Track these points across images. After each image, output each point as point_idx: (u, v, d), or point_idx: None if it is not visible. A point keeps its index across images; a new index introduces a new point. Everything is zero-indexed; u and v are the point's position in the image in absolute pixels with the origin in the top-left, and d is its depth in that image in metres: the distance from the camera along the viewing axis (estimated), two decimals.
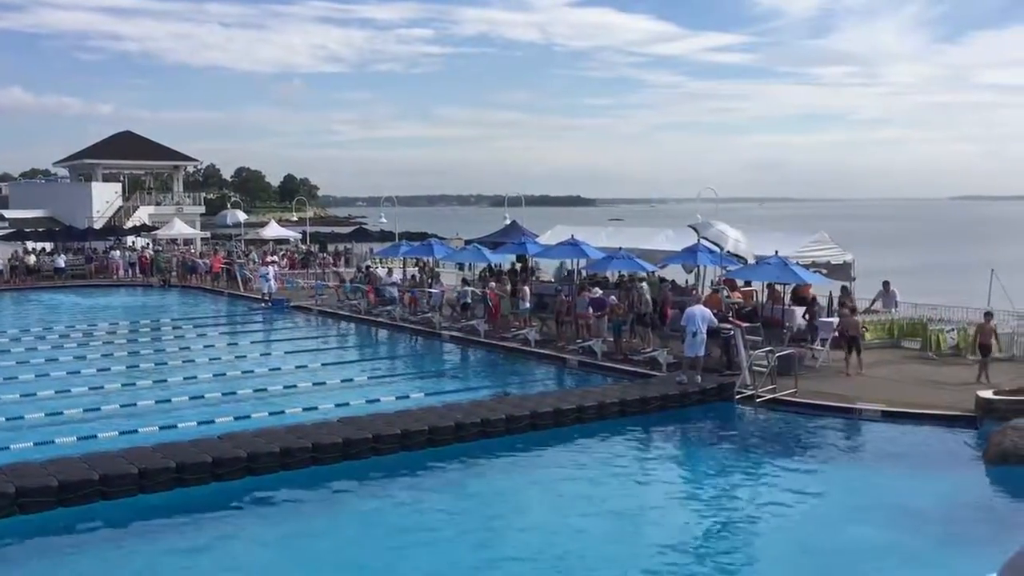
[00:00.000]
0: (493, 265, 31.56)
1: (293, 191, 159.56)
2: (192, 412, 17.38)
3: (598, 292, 23.38)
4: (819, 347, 21.02)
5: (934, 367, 20.60)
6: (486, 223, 50.40)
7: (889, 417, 16.63)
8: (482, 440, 15.34)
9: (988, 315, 19.96)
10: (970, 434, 15.71)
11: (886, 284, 24.64)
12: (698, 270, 25.37)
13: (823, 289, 23.53)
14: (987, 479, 13.87)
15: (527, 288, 25.88)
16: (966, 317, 22.72)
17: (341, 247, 50.63)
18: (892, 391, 18.14)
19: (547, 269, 31.86)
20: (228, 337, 28.75)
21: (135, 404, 18.16)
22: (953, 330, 21.98)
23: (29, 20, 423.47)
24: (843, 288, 23.52)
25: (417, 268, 33.59)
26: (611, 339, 22.53)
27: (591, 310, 22.99)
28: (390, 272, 34.21)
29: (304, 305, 34.37)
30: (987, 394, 16.22)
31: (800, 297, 22.47)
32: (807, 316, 21.49)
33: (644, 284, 23.49)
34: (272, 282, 36.17)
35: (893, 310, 23.96)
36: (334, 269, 41.88)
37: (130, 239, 53.49)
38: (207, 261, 44.60)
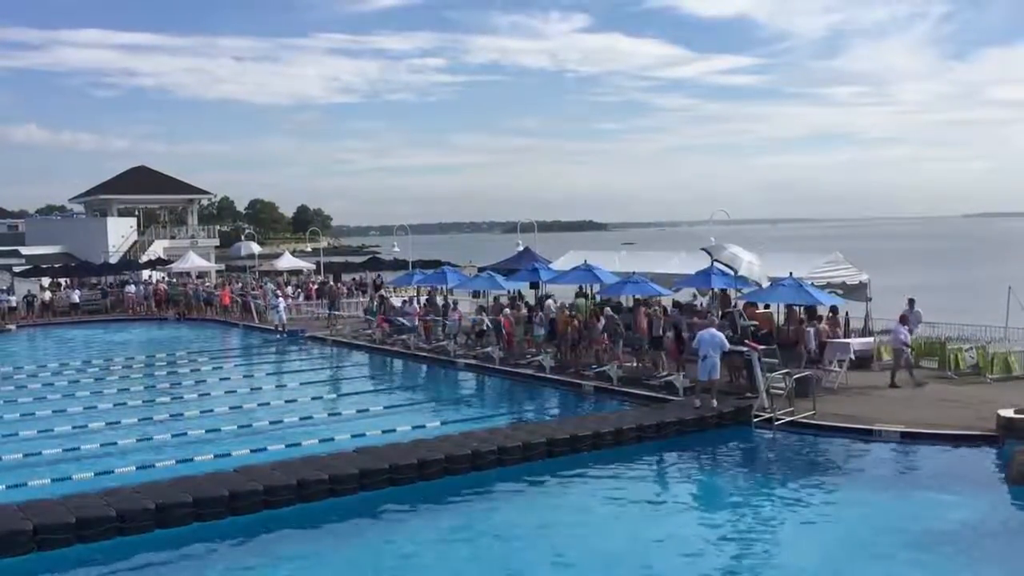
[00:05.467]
0: (510, 292, 31.57)
1: (307, 221, 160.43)
2: (208, 445, 17.38)
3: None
4: (836, 368, 20.89)
5: (953, 386, 20.41)
6: (499, 250, 50.41)
7: (909, 438, 16.47)
8: (499, 468, 15.27)
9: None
10: (992, 454, 15.54)
11: (911, 302, 24.54)
12: (712, 293, 25.30)
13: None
14: (1010, 499, 13.69)
15: (543, 314, 25.83)
16: (985, 335, 22.55)
17: (368, 276, 49.57)
18: (911, 412, 17.98)
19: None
20: (243, 369, 28.80)
21: (151, 438, 18.18)
22: (972, 348, 21.80)
23: (46, 59, 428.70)
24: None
25: (427, 297, 33.60)
26: (629, 363, 22.47)
27: (606, 335, 22.92)
28: (409, 301, 34.06)
29: (319, 335, 34.43)
30: (1008, 413, 16.06)
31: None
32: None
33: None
34: (283, 313, 36.34)
35: (916, 328, 23.80)
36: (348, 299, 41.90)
37: (145, 273, 53.81)
38: (218, 293, 44.85)
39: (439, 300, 32.47)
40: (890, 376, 20.67)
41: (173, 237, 64.13)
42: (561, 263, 30.98)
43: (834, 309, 22.77)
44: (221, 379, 26.19)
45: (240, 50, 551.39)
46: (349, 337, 33.33)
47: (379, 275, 47.98)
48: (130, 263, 55.70)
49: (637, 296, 25.39)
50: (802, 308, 22.14)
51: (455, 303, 31.37)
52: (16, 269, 49.34)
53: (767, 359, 19.15)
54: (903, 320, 21.45)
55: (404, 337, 30.33)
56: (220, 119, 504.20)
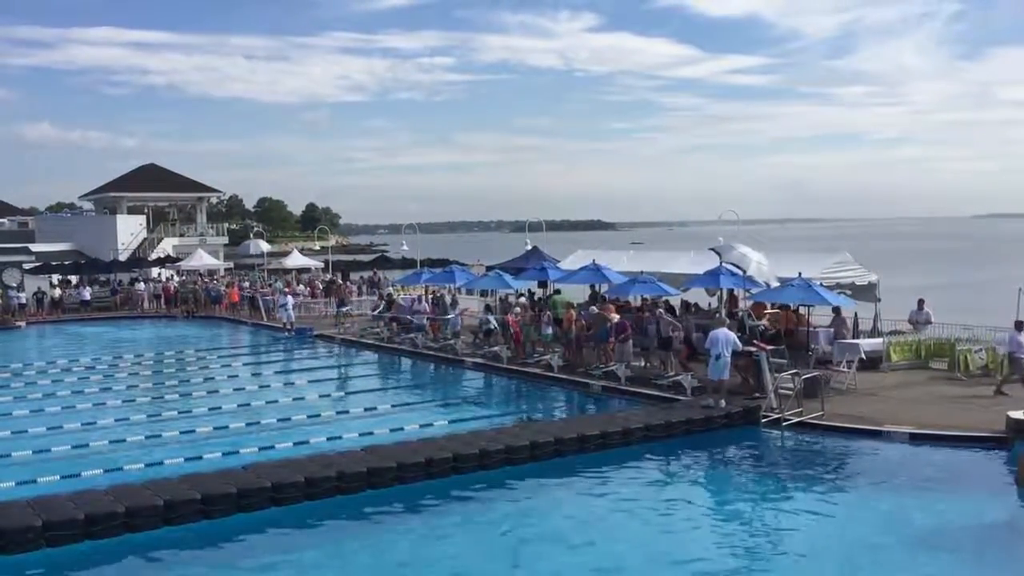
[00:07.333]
0: (518, 291, 31.57)
1: (315, 220, 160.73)
2: (217, 443, 17.43)
3: (617, 317, 23.28)
4: (845, 369, 20.83)
5: (963, 387, 20.35)
6: (507, 249, 50.44)
7: (918, 439, 16.42)
8: (507, 467, 15.27)
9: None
10: (1001, 455, 15.48)
11: (920, 302, 24.50)
12: (720, 293, 25.28)
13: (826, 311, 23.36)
14: (1019, 501, 13.66)
15: (550, 313, 25.82)
16: (994, 336, 22.45)
17: (379, 275, 49.50)
18: (920, 413, 17.92)
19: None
20: (252, 367, 28.84)
21: (160, 435, 18.23)
22: (981, 350, 21.71)
23: (58, 57, 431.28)
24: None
25: (431, 296, 33.62)
26: (637, 363, 22.42)
27: (613, 335, 22.86)
28: (418, 300, 34.04)
29: (327, 334, 34.47)
30: (1018, 414, 16.00)
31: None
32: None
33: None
34: (291, 311, 36.41)
35: (924, 329, 23.77)
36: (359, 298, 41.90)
37: (154, 271, 53.96)
38: (227, 291, 44.92)
39: (448, 299, 32.47)
40: (998, 386, 19.56)
41: (182, 235, 64.34)
42: (569, 262, 30.97)
43: (837, 310, 22.76)
44: (229, 376, 26.24)
45: (251, 48, 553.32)
46: (357, 336, 33.36)
47: (375, 272, 48.08)
48: (139, 261, 55.86)
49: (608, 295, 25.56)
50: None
51: (456, 300, 31.41)
52: (26, 266, 49.50)
53: (775, 359, 19.14)
54: (1019, 327, 19.80)
55: (412, 336, 30.35)
56: (230, 117, 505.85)
